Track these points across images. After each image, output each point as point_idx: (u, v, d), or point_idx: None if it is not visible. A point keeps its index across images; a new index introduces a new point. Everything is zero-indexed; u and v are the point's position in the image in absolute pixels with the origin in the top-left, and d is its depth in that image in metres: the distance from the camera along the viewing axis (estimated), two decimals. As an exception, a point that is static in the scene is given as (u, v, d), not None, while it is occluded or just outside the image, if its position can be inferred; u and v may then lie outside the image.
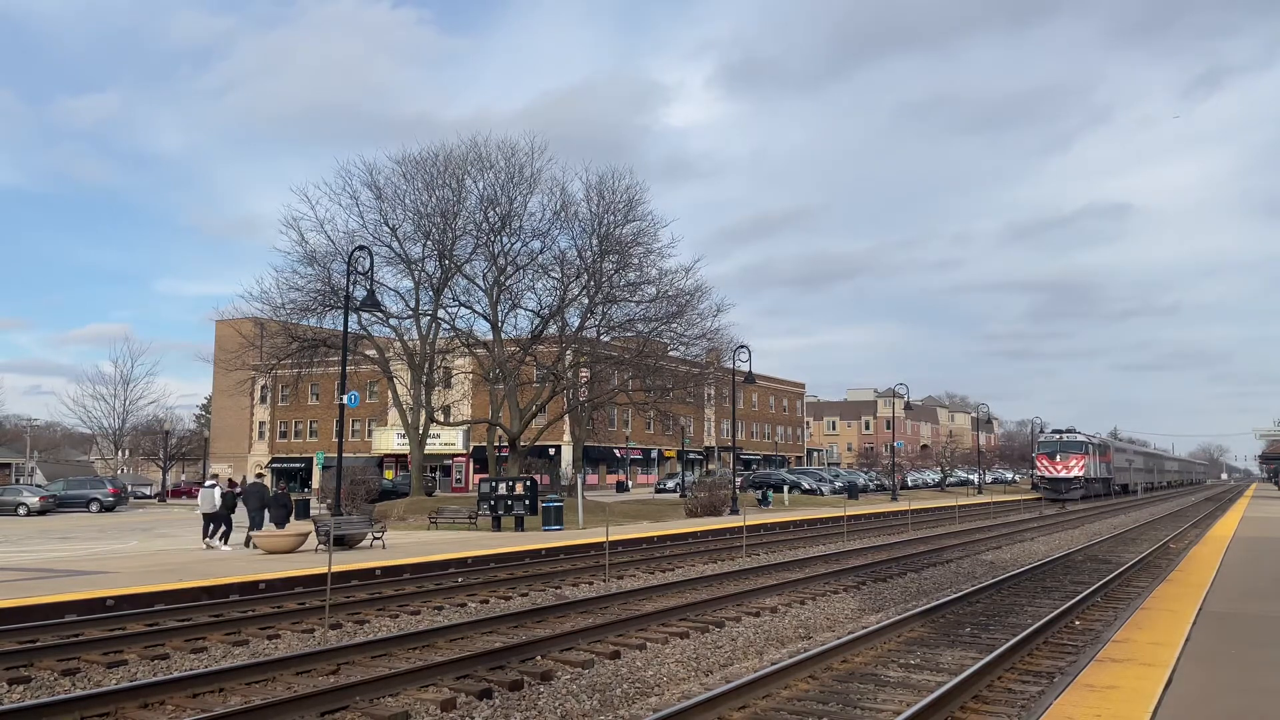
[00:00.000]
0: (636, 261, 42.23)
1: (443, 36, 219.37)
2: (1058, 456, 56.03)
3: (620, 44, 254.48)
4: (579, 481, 35.93)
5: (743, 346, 44.37)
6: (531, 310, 43.86)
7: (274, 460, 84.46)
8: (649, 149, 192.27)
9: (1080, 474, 55.10)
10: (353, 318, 33.17)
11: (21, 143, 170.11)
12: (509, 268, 42.70)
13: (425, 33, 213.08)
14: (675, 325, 42.68)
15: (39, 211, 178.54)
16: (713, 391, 66.06)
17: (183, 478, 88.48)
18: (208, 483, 24.74)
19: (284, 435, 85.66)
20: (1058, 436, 58.11)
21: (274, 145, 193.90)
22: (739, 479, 51.11)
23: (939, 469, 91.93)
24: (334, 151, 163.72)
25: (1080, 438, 57.25)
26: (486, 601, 14.55)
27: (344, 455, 28.48)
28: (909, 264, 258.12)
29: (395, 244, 42.27)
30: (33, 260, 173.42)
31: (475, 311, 43.86)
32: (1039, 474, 59.57)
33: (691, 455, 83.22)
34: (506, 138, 68.59)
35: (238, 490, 25.50)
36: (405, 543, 23.84)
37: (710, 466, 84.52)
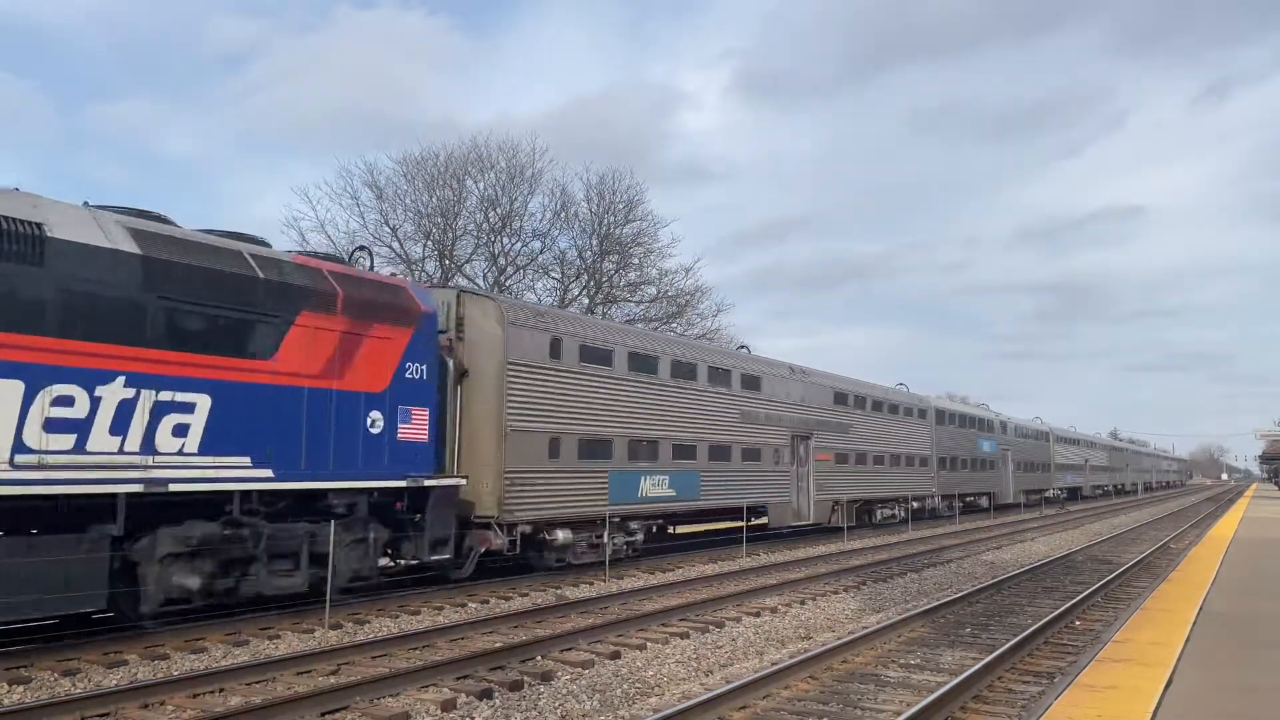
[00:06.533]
0: (637, 262, 42.35)
1: (469, 43, 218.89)
2: None
3: (639, 53, 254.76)
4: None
5: (743, 347, 44.15)
6: (531, 310, 43.88)
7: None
8: (666, 154, 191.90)
9: None
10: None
11: (38, 148, 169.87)
12: (509, 268, 42.71)
13: (453, 40, 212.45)
14: (675, 325, 42.74)
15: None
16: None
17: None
18: None
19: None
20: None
21: (291, 150, 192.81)
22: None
23: None
24: (352, 156, 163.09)
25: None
26: (486, 602, 14.54)
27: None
28: (918, 266, 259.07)
29: (396, 244, 42.26)
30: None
31: (475, 312, 43.85)
32: None
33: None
34: (508, 138, 68.47)
35: None
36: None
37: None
